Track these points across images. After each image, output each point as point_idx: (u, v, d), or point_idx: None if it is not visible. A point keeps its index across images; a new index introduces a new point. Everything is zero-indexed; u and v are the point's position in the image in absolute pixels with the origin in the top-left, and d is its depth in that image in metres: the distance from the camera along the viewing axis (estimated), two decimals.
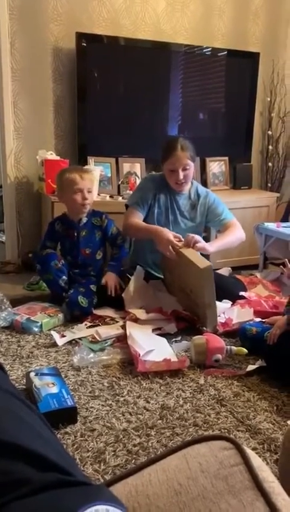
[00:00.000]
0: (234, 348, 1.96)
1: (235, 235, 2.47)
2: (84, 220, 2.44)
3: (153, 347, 1.93)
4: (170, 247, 2.18)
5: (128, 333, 2.02)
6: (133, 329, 2.06)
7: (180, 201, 2.51)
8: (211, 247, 2.28)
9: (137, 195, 2.51)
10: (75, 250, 2.44)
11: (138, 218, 2.43)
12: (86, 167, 2.89)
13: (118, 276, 2.42)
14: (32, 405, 0.58)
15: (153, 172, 3.16)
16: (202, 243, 2.20)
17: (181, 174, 2.37)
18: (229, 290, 2.41)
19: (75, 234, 2.43)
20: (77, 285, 2.37)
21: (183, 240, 2.23)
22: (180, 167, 2.36)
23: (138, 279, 2.37)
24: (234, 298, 2.37)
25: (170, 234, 2.23)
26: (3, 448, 0.46)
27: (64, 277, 2.36)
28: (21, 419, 0.53)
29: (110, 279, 2.38)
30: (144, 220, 2.47)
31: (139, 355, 1.84)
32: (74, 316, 2.27)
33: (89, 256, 2.46)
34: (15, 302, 2.40)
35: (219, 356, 1.86)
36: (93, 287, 2.38)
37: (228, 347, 1.94)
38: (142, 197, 2.47)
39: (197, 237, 2.21)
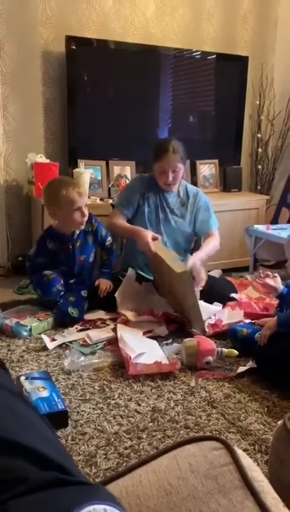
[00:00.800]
0: (225, 349, 1.96)
1: (214, 246, 2.54)
2: (77, 231, 2.40)
3: (144, 350, 1.93)
4: (151, 245, 2.22)
5: (119, 336, 2.02)
6: (124, 332, 2.05)
7: (169, 199, 2.53)
8: (199, 260, 2.34)
9: (123, 196, 2.55)
10: (71, 261, 2.42)
11: (121, 219, 2.49)
12: (76, 170, 2.90)
13: (110, 280, 2.43)
14: (33, 404, 0.58)
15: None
16: (202, 276, 2.25)
17: (170, 176, 2.41)
18: (220, 292, 2.42)
19: (71, 247, 2.40)
20: (67, 294, 2.34)
21: (160, 239, 2.31)
22: (170, 169, 2.40)
23: (129, 281, 2.37)
24: (225, 300, 2.37)
25: (148, 236, 2.26)
26: (4, 446, 0.46)
27: (62, 293, 2.34)
28: (22, 418, 0.53)
29: (102, 282, 2.40)
30: (134, 220, 2.49)
31: (130, 358, 1.83)
32: (64, 324, 2.26)
33: (83, 262, 2.46)
34: (4, 306, 2.39)
35: (210, 358, 1.87)
36: (84, 293, 2.37)
37: (219, 349, 1.94)
38: (127, 198, 2.51)
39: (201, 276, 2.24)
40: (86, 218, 2.33)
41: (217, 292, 2.40)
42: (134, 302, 2.31)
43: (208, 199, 2.62)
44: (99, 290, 2.36)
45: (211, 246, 2.52)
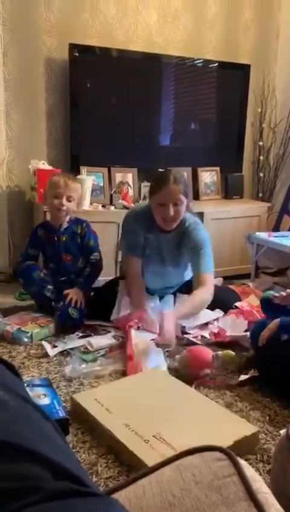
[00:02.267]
0: (220, 352, 1.90)
1: (202, 301, 2.19)
2: (65, 225, 2.44)
3: (156, 362, 1.93)
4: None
5: (133, 342, 2.01)
6: (139, 341, 2.04)
7: (164, 241, 2.33)
8: (175, 319, 2.08)
9: (129, 241, 2.36)
10: (57, 256, 2.44)
11: (137, 266, 2.33)
12: (78, 177, 2.90)
13: (85, 293, 2.36)
14: (46, 412, 0.58)
15: (145, 184, 3.18)
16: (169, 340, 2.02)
17: (172, 210, 2.14)
18: (224, 301, 2.37)
19: (56, 239, 2.43)
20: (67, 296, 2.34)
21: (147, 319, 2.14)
22: (170, 202, 2.14)
23: (122, 292, 2.38)
24: (229, 309, 2.36)
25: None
26: (20, 454, 0.46)
27: (49, 286, 2.35)
28: (37, 426, 0.53)
29: (73, 293, 2.31)
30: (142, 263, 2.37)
31: (141, 369, 1.85)
32: (65, 328, 2.25)
33: (70, 262, 2.45)
34: (6, 312, 2.39)
35: (208, 371, 1.84)
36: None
37: (214, 353, 1.89)
38: (134, 242, 2.33)
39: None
40: (63, 208, 2.33)
41: (221, 301, 2.33)
42: (128, 309, 2.30)
43: (206, 236, 2.31)
44: (68, 298, 2.28)
45: (197, 300, 2.17)
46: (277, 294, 1.94)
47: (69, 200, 2.34)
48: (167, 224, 2.21)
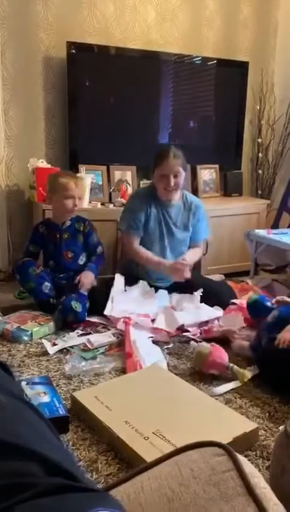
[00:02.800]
0: (236, 367, 1.84)
1: (196, 257, 2.66)
2: (68, 223, 2.48)
3: (155, 359, 1.94)
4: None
5: (132, 339, 2.02)
6: (137, 338, 2.05)
7: (172, 212, 2.55)
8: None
9: (130, 217, 2.52)
10: (58, 253, 2.46)
11: (138, 242, 2.52)
12: (77, 175, 2.90)
13: (95, 276, 2.46)
14: (40, 411, 0.58)
15: (144, 182, 3.18)
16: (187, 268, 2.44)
17: (172, 181, 2.43)
18: (220, 297, 2.43)
19: (58, 236, 2.46)
20: (69, 291, 2.36)
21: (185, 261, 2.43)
22: (171, 173, 2.42)
23: (118, 285, 2.41)
24: (224, 305, 2.38)
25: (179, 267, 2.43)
26: (13, 451, 0.47)
27: (46, 283, 2.35)
28: (31, 424, 0.53)
29: (84, 276, 2.41)
30: (142, 238, 2.53)
31: (140, 366, 1.85)
32: (67, 322, 2.26)
33: (71, 260, 2.48)
34: (5, 311, 2.39)
35: (216, 371, 1.84)
36: (84, 292, 2.39)
37: (231, 365, 1.85)
38: (135, 218, 2.50)
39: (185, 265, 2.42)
40: (76, 208, 2.43)
41: (217, 296, 2.42)
42: (125, 305, 2.30)
43: (202, 205, 2.69)
44: (80, 283, 2.37)
45: (196, 256, 2.64)
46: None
47: (79, 198, 2.43)
48: (169, 193, 2.49)
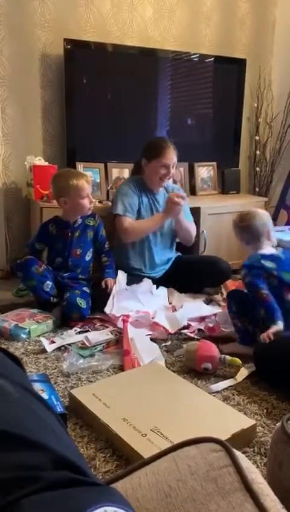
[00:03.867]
0: (228, 357, 1.90)
1: (193, 228, 2.71)
2: (79, 221, 2.47)
3: (152, 356, 1.94)
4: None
5: (130, 336, 2.02)
6: (135, 336, 2.05)
7: (160, 200, 2.64)
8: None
9: (125, 202, 2.56)
10: (67, 251, 2.44)
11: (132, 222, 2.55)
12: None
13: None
14: (49, 404, 0.58)
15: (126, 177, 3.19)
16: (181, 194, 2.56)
17: (172, 171, 2.53)
18: (217, 265, 2.63)
19: (69, 234, 2.44)
20: (71, 288, 2.37)
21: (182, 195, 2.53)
22: (171, 164, 2.51)
23: (120, 284, 2.40)
24: (224, 273, 2.58)
25: (174, 205, 2.51)
26: (21, 443, 0.46)
27: (48, 282, 2.34)
28: (39, 417, 0.53)
29: (109, 280, 2.46)
30: None
31: (138, 364, 1.86)
32: (70, 319, 2.26)
33: (79, 257, 2.46)
34: (3, 309, 2.39)
35: (209, 365, 1.83)
36: (86, 289, 2.40)
37: (222, 356, 1.89)
38: (129, 203, 2.56)
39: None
40: (92, 205, 2.44)
41: (212, 264, 2.62)
42: (128, 303, 2.31)
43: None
44: (108, 285, 2.41)
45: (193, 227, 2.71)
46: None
47: (90, 193, 2.45)
48: (162, 182, 2.57)
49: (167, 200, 2.54)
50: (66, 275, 2.44)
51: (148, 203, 2.61)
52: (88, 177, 2.47)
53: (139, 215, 2.58)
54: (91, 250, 2.52)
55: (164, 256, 2.68)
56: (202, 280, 2.61)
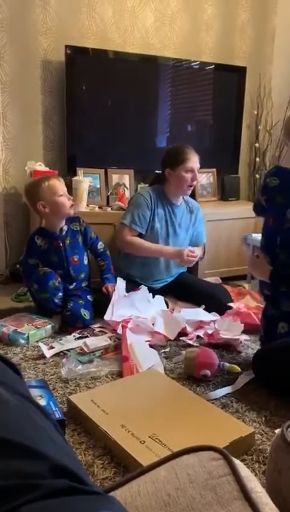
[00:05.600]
0: (226, 364, 1.91)
1: (200, 254, 2.69)
2: (65, 227, 2.42)
3: (151, 363, 1.94)
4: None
5: (129, 342, 2.02)
6: (134, 342, 2.05)
7: (178, 213, 2.62)
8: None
9: (135, 213, 2.52)
10: (65, 261, 2.39)
11: (135, 236, 2.52)
12: (75, 178, 2.91)
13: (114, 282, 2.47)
14: (47, 411, 0.58)
15: (141, 185, 3.19)
16: (196, 254, 2.53)
17: (197, 175, 2.53)
18: (217, 298, 2.47)
19: (61, 245, 2.39)
20: (76, 297, 2.36)
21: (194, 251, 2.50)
22: (196, 168, 2.52)
23: (119, 291, 2.38)
24: (222, 307, 2.38)
25: (184, 252, 2.49)
26: (20, 451, 0.46)
27: (60, 294, 2.32)
28: (37, 425, 0.53)
29: (110, 286, 2.45)
30: (145, 236, 2.54)
31: (137, 370, 1.85)
32: (74, 328, 2.26)
33: (78, 263, 2.44)
34: (2, 314, 2.38)
35: (207, 372, 1.82)
36: (90, 297, 2.41)
37: (221, 363, 1.90)
38: (140, 215, 2.52)
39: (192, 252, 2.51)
40: (72, 202, 2.36)
41: (213, 296, 2.47)
42: (127, 310, 2.30)
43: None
44: (110, 292, 2.39)
45: (201, 253, 2.70)
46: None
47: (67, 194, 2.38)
48: (189, 189, 2.56)
49: (179, 256, 2.51)
50: (72, 287, 2.42)
51: (164, 215, 2.57)
52: (59, 177, 2.42)
53: (152, 228, 2.55)
54: (85, 254, 2.49)
55: (169, 272, 2.67)
56: (199, 305, 2.50)
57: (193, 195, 3.44)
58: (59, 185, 2.33)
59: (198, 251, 2.59)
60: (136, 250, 2.53)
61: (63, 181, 2.40)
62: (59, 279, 2.33)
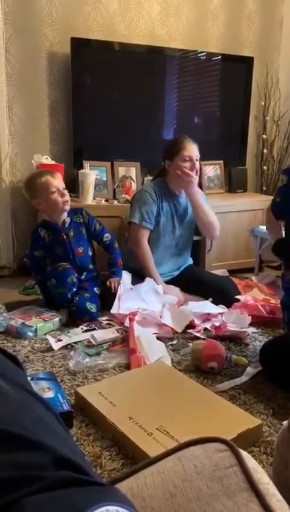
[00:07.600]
0: (234, 356, 1.93)
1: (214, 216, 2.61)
2: (68, 220, 2.40)
3: (159, 355, 1.94)
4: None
5: (136, 335, 2.02)
6: (142, 334, 2.05)
7: (182, 203, 2.61)
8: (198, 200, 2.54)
9: (143, 209, 2.50)
10: (71, 253, 2.39)
11: (146, 237, 2.51)
12: (81, 171, 2.91)
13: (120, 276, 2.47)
14: (48, 403, 0.58)
15: (148, 178, 3.18)
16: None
17: (196, 164, 2.48)
18: (225, 291, 2.46)
19: (65, 237, 2.38)
20: (82, 291, 2.36)
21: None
22: (194, 156, 2.47)
23: (124, 284, 2.40)
24: (229, 300, 2.38)
25: (178, 296, 2.45)
26: (21, 443, 0.46)
27: (74, 289, 2.34)
28: (39, 417, 0.53)
29: (113, 281, 2.43)
30: (151, 231, 2.53)
31: (144, 363, 1.86)
32: (82, 321, 2.26)
33: (83, 255, 2.43)
34: (10, 307, 2.40)
35: (215, 364, 1.83)
36: (97, 290, 2.40)
37: (229, 355, 1.91)
38: (148, 211, 2.50)
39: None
40: (66, 198, 2.32)
41: (220, 289, 2.46)
42: (133, 303, 2.30)
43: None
44: (112, 287, 2.39)
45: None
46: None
47: (64, 189, 2.33)
48: (192, 178, 2.47)
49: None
50: (82, 277, 2.42)
51: (169, 208, 2.56)
52: (54, 172, 2.37)
53: (158, 223, 2.54)
54: (90, 244, 2.48)
55: (176, 265, 2.67)
56: (207, 298, 2.49)
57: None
58: (52, 181, 2.28)
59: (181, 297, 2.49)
60: (140, 259, 2.50)
61: (59, 175, 2.37)
62: (76, 274, 2.34)
